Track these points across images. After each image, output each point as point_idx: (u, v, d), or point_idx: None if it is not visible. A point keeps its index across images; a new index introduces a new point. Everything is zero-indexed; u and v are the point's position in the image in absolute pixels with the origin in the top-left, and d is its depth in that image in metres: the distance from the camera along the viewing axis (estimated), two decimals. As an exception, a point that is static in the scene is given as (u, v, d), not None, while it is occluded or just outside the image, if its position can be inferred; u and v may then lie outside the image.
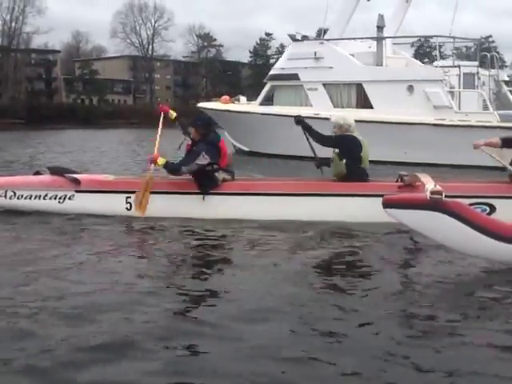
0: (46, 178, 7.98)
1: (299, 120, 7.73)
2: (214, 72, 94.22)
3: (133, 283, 4.75)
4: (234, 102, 22.27)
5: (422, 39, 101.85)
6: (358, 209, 6.92)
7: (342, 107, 18.76)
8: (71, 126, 57.43)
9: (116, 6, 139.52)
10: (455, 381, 3.11)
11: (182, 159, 7.38)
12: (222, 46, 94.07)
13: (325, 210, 7.03)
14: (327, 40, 20.17)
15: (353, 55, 19.54)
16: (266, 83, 21.50)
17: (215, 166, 7.25)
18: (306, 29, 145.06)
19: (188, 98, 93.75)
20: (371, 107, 18.48)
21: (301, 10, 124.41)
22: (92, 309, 4.10)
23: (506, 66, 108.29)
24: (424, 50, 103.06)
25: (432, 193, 4.93)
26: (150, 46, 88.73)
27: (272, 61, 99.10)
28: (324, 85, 19.57)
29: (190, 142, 7.56)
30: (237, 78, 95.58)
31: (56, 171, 8.00)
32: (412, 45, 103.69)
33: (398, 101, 17.68)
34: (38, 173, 8.35)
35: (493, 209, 6.90)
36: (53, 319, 3.93)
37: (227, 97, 22.81)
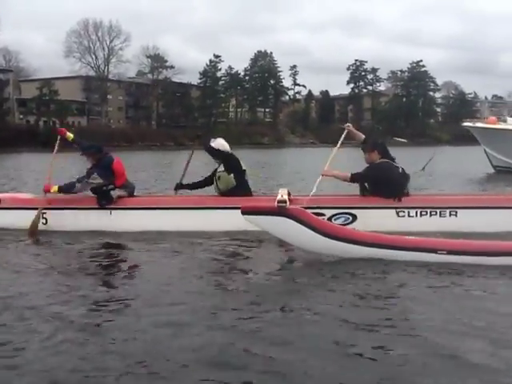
0: None
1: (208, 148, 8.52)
2: (166, 93, 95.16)
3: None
4: (499, 123, 24.84)
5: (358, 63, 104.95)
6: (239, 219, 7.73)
7: None
8: (30, 148, 55.69)
9: (49, 26, 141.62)
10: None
11: (77, 178, 8.32)
12: (173, 67, 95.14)
13: (210, 221, 7.86)
14: None
15: None
16: None
17: (110, 186, 8.24)
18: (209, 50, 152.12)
19: (140, 119, 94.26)
20: None
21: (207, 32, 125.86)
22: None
23: (439, 90, 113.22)
24: (359, 74, 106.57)
25: (279, 202, 5.98)
26: (106, 67, 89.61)
27: (221, 82, 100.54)
28: None
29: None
30: (187, 99, 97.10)
31: None
32: (348, 68, 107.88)
33: None
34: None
35: (354, 217, 7.82)
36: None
37: (494, 118, 25.76)
